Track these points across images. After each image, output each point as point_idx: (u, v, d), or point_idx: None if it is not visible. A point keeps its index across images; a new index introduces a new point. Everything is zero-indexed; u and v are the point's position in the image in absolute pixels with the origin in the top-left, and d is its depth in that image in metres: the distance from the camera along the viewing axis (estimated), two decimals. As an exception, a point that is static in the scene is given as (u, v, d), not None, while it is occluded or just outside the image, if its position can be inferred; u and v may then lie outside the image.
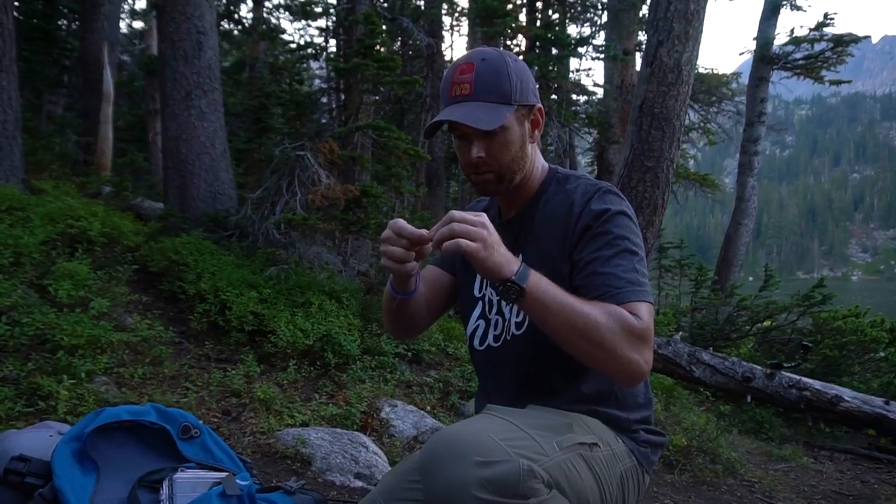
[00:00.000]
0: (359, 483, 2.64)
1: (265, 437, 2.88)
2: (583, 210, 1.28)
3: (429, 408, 3.70)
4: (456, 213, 1.14)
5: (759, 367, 4.98)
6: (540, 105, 1.36)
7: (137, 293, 3.98)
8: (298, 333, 3.77)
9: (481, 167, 1.31)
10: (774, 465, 4.01)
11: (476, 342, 1.45)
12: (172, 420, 1.77)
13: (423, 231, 1.18)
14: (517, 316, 1.36)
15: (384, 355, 4.10)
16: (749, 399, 4.97)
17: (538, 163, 1.41)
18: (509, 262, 1.14)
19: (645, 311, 1.17)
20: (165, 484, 1.59)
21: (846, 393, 4.69)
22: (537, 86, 1.40)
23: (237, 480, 1.62)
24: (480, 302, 1.45)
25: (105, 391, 2.80)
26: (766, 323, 6.64)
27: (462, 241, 1.10)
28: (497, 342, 1.40)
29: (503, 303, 1.39)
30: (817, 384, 4.80)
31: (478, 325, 1.45)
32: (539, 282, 1.14)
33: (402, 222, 1.20)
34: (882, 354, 5.89)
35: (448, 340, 4.77)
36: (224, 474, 1.66)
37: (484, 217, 1.14)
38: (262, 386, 3.25)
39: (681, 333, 5.85)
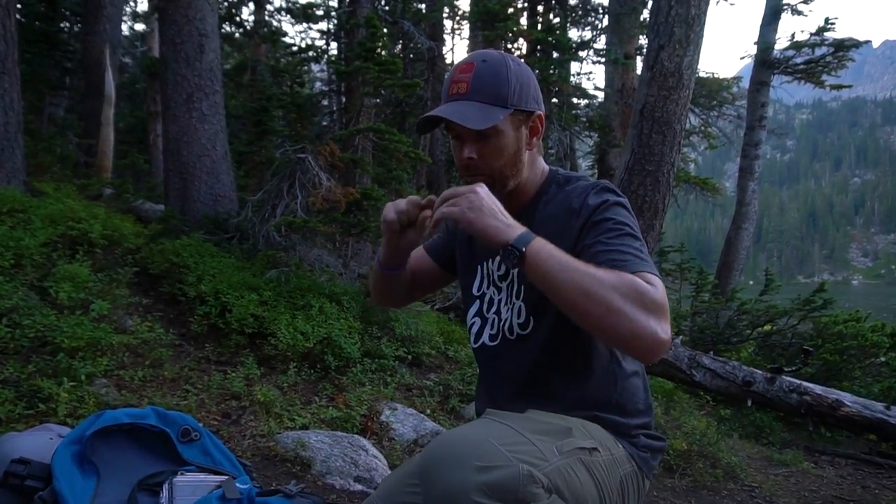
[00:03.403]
0: (358, 486, 2.64)
1: (265, 440, 2.88)
2: (581, 206, 1.27)
3: (429, 411, 3.70)
4: (447, 191, 1.21)
5: (759, 372, 4.97)
6: (540, 112, 1.35)
7: (138, 295, 3.98)
8: (298, 336, 3.77)
9: (472, 169, 1.32)
10: (775, 470, 4.01)
11: (472, 339, 1.47)
12: (172, 423, 1.77)
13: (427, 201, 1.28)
14: (518, 317, 1.35)
15: (384, 358, 4.09)
16: (749, 403, 4.96)
17: (538, 168, 1.40)
18: (508, 228, 1.16)
19: (658, 282, 1.11)
20: (165, 487, 1.59)
21: (847, 398, 4.68)
22: (541, 93, 1.39)
23: (237, 484, 1.62)
24: (478, 300, 1.46)
25: (105, 394, 2.80)
26: (767, 327, 6.63)
27: (445, 207, 1.18)
28: (493, 341, 1.41)
29: (503, 303, 1.39)
30: (818, 389, 4.79)
31: (474, 323, 1.47)
32: (543, 247, 1.13)
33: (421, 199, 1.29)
34: (883, 359, 5.88)
35: (448, 344, 4.77)
36: (224, 477, 1.67)
37: (477, 187, 1.19)
38: (262, 389, 3.25)
39: (681, 337, 5.84)
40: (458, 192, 1.19)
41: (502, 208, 1.20)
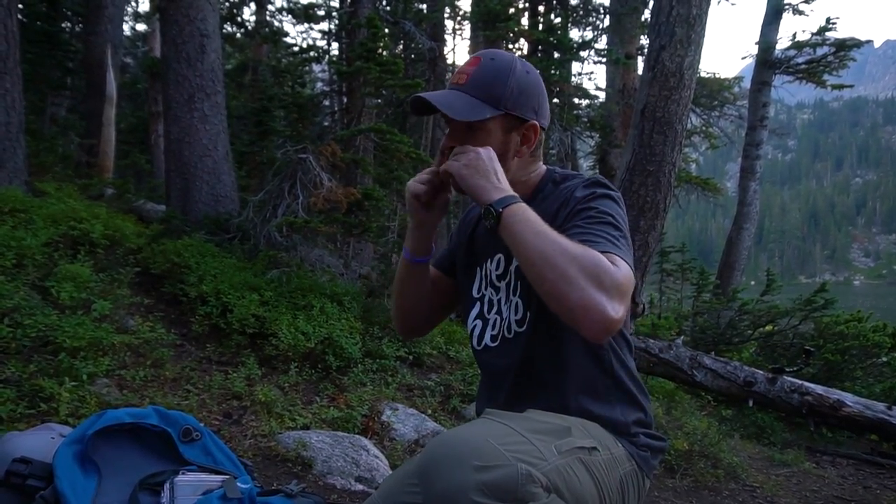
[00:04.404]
0: (359, 486, 2.64)
1: (266, 439, 2.88)
2: (570, 198, 1.29)
3: (430, 411, 3.70)
4: (459, 146, 1.27)
5: (760, 372, 4.97)
6: (537, 123, 1.35)
7: (139, 295, 3.98)
8: (300, 336, 3.78)
9: None
10: (776, 470, 4.01)
11: (474, 342, 1.47)
12: (173, 423, 1.77)
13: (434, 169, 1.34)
14: (516, 314, 1.36)
15: (385, 358, 4.10)
16: (751, 403, 4.95)
17: (532, 172, 1.41)
18: (495, 189, 1.20)
19: (622, 265, 1.11)
20: (166, 486, 1.59)
21: (848, 398, 4.67)
22: (547, 107, 1.39)
23: (238, 483, 1.63)
24: (479, 302, 1.46)
25: (106, 393, 2.80)
26: (768, 327, 6.64)
27: (449, 160, 1.25)
28: (494, 342, 1.41)
29: (503, 303, 1.40)
30: (819, 389, 4.79)
31: (475, 325, 1.47)
32: (522, 212, 1.16)
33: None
34: (884, 359, 5.88)
35: (449, 344, 4.77)
36: (225, 477, 1.67)
37: (482, 148, 1.24)
38: (264, 389, 3.25)
39: (682, 338, 5.84)
40: (464, 150, 1.25)
41: (500, 172, 1.23)
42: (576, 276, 1.06)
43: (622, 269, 1.10)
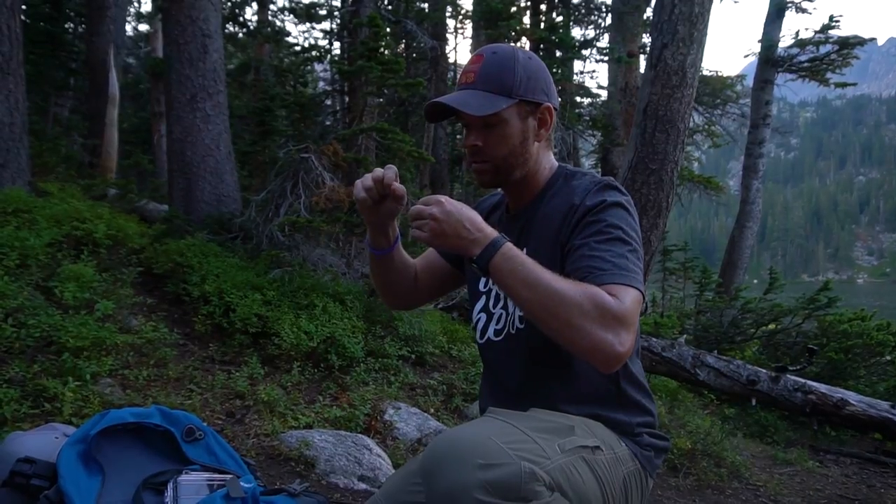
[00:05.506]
0: (362, 485, 2.64)
1: (269, 439, 2.88)
2: (580, 204, 1.28)
3: (432, 410, 3.70)
4: (414, 208, 1.22)
5: (763, 371, 4.96)
6: (549, 104, 1.36)
7: (142, 295, 3.99)
8: (302, 336, 3.78)
9: (478, 156, 1.35)
10: (779, 469, 4.00)
11: (477, 335, 1.48)
12: (176, 422, 1.77)
13: (396, 185, 1.30)
14: (520, 310, 1.36)
15: (388, 357, 4.10)
16: (754, 402, 4.95)
17: (546, 162, 1.41)
18: (472, 243, 1.19)
19: (627, 294, 1.13)
20: (170, 486, 1.59)
21: (852, 396, 4.66)
22: (553, 87, 1.40)
23: (241, 483, 1.63)
24: (485, 296, 1.46)
25: (110, 393, 2.81)
26: (771, 326, 6.62)
27: (414, 231, 1.21)
28: (498, 336, 1.41)
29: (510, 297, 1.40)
30: (823, 387, 4.77)
31: (479, 318, 1.47)
32: (508, 262, 1.16)
33: (391, 173, 1.31)
34: (888, 358, 5.85)
35: (452, 343, 4.77)
36: (228, 476, 1.67)
37: (436, 208, 1.20)
38: (266, 388, 3.26)
39: (685, 336, 5.83)
40: (422, 214, 1.21)
41: (469, 217, 1.20)
42: (579, 322, 1.09)
43: (623, 300, 1.12)
